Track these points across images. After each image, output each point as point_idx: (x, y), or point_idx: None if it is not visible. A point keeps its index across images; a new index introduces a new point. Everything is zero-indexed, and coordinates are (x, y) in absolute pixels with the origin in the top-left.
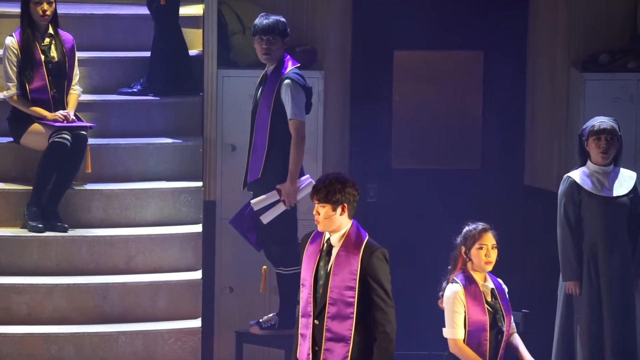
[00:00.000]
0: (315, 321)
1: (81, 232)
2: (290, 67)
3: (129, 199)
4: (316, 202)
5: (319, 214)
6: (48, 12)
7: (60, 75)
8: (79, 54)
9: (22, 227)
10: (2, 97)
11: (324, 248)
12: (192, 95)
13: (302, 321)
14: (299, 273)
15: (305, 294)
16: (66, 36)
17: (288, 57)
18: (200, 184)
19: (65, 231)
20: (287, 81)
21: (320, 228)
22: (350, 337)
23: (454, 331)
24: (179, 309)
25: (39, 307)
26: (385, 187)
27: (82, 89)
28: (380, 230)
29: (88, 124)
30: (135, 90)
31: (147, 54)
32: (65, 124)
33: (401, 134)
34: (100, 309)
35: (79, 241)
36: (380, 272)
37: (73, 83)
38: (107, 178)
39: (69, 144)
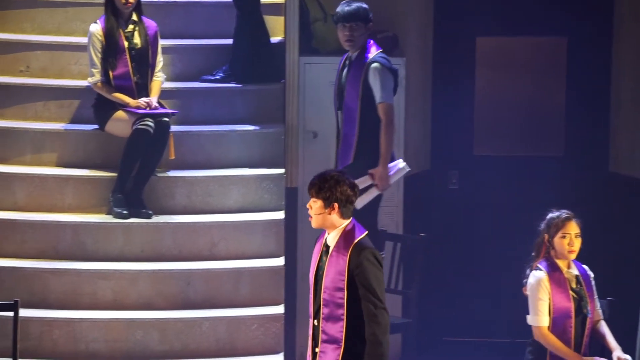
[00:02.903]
0: (315, 322)
1: (165, 219)
2: (374, 51)
3: (212, 186)
4: (310, 195)
5: (311, 208)
6: (131, 0)
7: (143, 61)
8: (161, 42)
9: (108, 214)
10: (86, 84)
11: (324, 248)
12: (274, 83)
13: (309, 322)
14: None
15: (310, 295)
16: (149, 23)
17: (371, 42)
18: (282, 170)
19: (150, 217)
20: (375, 64)
21: (312, 224)
22: (342, 340)
23: (538, 318)
24: (261, 296)
25: (124, 293)
26: (467, 173)
27: (165, 76)
28: (462, 217)
29: (171, 111)
30: (217, 77)
31: (229, 41)
32: (148, 111)
33: (483, 121)
34: (184, 295)
35: (163, 228)
36: (367, 274)
37: (156, 70)
38: (190, 165)
39: (152, 130)
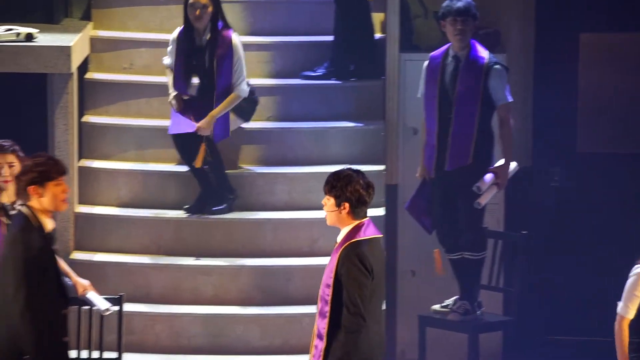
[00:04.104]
0: (316, 317)
1: (266, 215)
2: (484, 51)
3: (312, 183)
4: (324, 193)
5: (325, 205)
6: (201, 16)
7: (206, 80)
8: (261, 39)
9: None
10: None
11: (335, 245)
12: (374, 79)
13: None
14: (485, 259)
15: None
16: (224, 39)
17: (474, 41)
18: (381, 167)
19: (215, 213)
20: (497, 67)
21: (327, 221)
22: (324, 335)
23: (625, 309)
24: None
25: (225, 288)
26: (570, 170)
27: (246, 91)
28: (564, 214)
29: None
30: (318, 73)
31: (330, 38)
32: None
33: (587, 117)
34: (284, 291)
35: (263, 224)
36: (348, 276)
37: (235, 82)
38: (290, 161)
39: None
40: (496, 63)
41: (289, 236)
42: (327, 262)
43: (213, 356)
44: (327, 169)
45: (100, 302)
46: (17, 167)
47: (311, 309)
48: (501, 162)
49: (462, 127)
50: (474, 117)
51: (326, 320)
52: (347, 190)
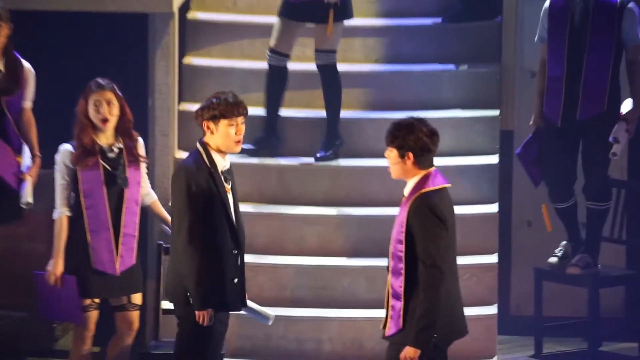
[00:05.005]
0: (389, 275)
1: (373, 162)
2: None
3: None
4: (386, 144)
5: (388, 158)
6: None
7: None
8: None
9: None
10: None
11: (403, 199)
12: (488, 20)
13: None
14: (609, 209)
15: None
16: None
17: None
18: (496, 112)
19: (321, 160)
20: (630, 6)
21: (392, 174)
22: (402, 294)
23: None
24: (473, 244)
25: (330, 239)
26: None
27: None
28: None
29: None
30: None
31: None
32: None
33: None
34: None
35: (371, 171)
36: (420, 229)
37: None
38: (399, 106)
39: (274, 65)
40: (628, 2)
41: (397, 184)
42: None
43: (318, 309)
44: (438, 114)
45: (261, 312)
46: (116, 106)
47: None
48: (630, 107)
49: (596, 73)
50: (608, 62)
51: (402, 278)
52: (410, 139)
